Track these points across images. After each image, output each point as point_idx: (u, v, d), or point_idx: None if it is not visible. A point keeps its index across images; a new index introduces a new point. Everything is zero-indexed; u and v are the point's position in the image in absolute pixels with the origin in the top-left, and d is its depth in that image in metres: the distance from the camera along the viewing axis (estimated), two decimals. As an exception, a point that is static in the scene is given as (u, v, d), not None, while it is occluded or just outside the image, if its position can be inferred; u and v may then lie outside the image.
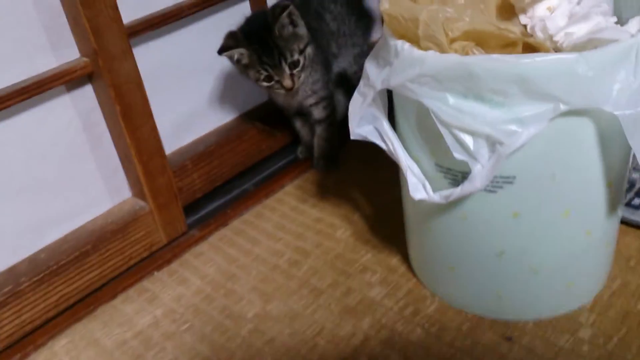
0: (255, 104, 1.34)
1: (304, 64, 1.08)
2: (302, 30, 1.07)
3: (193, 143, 1.22)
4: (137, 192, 1.09)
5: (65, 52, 0.94)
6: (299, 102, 1.18)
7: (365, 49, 1.27)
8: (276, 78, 1.06)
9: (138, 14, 1.04)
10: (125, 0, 0.99)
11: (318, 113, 1.21)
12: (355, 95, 0.81)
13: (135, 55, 0.98)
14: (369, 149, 1.30)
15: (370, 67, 0.79)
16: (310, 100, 1.18)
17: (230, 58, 1.07)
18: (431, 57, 0.68)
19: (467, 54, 0.68)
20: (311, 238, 1.08)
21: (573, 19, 0.71)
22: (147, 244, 1.09)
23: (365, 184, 1.19)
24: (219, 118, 1.27)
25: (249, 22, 1.10)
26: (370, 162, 1.24)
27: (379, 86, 0.75)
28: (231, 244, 1.10)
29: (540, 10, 0.74)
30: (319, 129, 1.24)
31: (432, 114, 0.70)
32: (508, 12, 0.77)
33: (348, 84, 1.28)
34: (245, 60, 1.06)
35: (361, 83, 0.81)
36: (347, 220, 1.10)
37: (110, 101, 0.97)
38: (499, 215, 0.76)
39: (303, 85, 1.14)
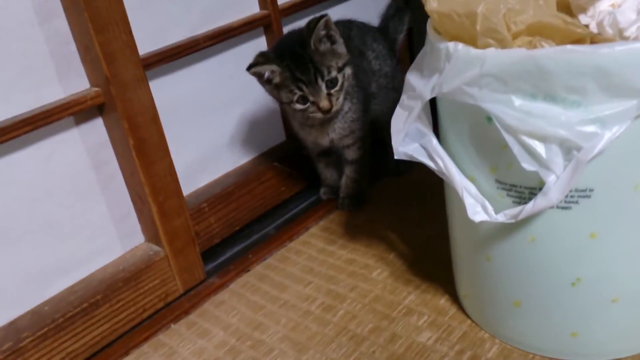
0: (273, 144, 1.27)
1: (342, 84, 0.98)
2: (340, 47, 0.98)
3: (209, 185, 1.14)
4: (151, 236, 0.99)
5: (74, 82, 0.87)
6: (332, 140, 1.08)
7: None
8: (311, 98, 0.96)
9: (153, 46, 0.98)
10: (140, 32, 0.93)
11: (352, 154, 1.12)
12: (398, 110, 0.73)
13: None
14: (396, 187, 1.24)
15: (413, 79, 0.72)
16: (347, 141, 1.09)
17: (260, 77, 0.98)
18: (493, 54, 0.60)
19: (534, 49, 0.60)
20: (344, 281, 0.97)
21: (643, 12, 0.64)
22: (163, 294, 0.98)
23: (396, 223, 1.09)
24: (236, 159, 1.19)
25: (281, 41, 1.03)
26: (398, 201, 1.16)
27: (428, 95, 0.67)
28: (255, 290, 0.99)
29: (603, 7, 0.67)
30: (348, 170, 1.15)
31: (494, 120, 0.62)
32: (565, 12, 0.70)
33: (375, 135, 1.17)
34: (277, 79, 0.97)
35: (404, 97, 0.73)
36: (383, 261, 1.00)
37: (123, 134, 0.88)
38: (574, 236, 0.66)
39: (340, 123, 1.05)
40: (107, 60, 0.84)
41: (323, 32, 0.96)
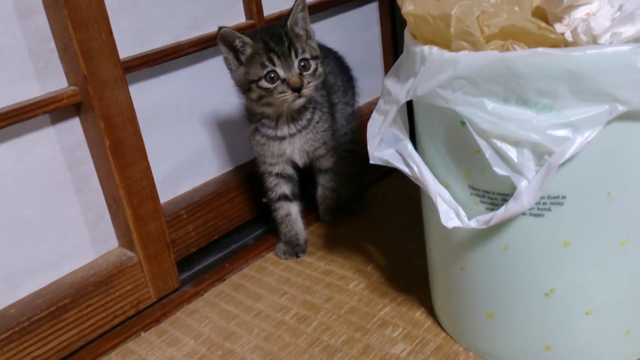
0: (254, 155, 1.25)
1: (315, 72, 0.93)
2: (315, 44, 0.96)
3: (188, 192, 1.12)
4: (125, 241, 0.97)
5: (52, 80, 0.86)
6: (305, 153, 1.03)
7: (354, 113, 1.16)
8: (282, 74, 0.89)
9: (137, 49, 0.97)
10: (124, 35, 0.93)
11: (326, 162, 1.07)
12: (374, 115, 0.72)
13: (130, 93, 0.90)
14: (378, 200, 1.23)
15: (390, 83, 0.71)
16: (320, 151, 1.04)
17: (229, 44, 0.91)
18: (465, 57, 0.60)
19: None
20: (320, 292, 0.95)
21: (617, 21, 0.64)
22: (134, 301, 0.96)
23: (376, 236, 1.08)
24: (217, 167, 1.18)
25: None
26: (379, 214, 1.15)
27: (403, 98, 0.67)
28: (229, 299, 0.97)
29: (578, 15, 0.67)
30: (324, 179, 1.10)
31: (467, 123, 0.61)
32: (541, 20, 0.70)
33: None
34: (248, 51, 0.91)
35: (380, 102, 0.72)
36: (360, 273, 0.99)
37: (100, 134, 0.87)
38: (547, 245, 0.65)
39: (312, 133, 1.00)
40: (85, 59, 0.83)
41: (300, 15, 0.94)
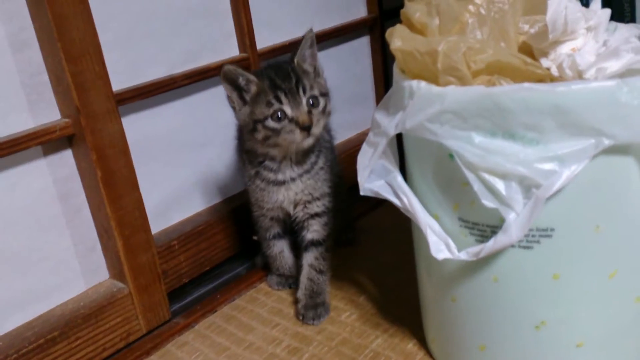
0: (246, 186, 1.26)
1: (324, 110, 0.87)
2: (324, 82, 0.91)
3: (181, 223, 1.12)
4: (116, 272, 0.97)
5: (44, 113, 0.87)
6: (298, 202, 0.95)
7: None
8: (290, 112, 0.84)
9: (130, 82, 0.98)
10: (117, 67, 0.94)
11: (318, 228, 0.97)
12: (364, 147, 0.73)
13: (123, 125, 0.91)
14: (371, 231, 1.23)
15: (380, 116, 0.72)
16: (315, 208, 0.95)
17: (232, 82, 0.86)
18: (453, 92, 0.61)
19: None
20: (312, 323, 0.95)
21: (601, 56, 0.66)
22: (124, 333, 0.95)
23: (369, 268, 1.08)
24: (209, 198, 1.18)
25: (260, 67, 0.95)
26: (372, 245, 1.15)
27: (393, 131, 0.68)
28: (220, 331, 0.97)
29: (564, 51, 0.69)
30: (311, 256, 0.97)
31: (455, 157, 0.62)
32: (528, 56, 0.71)
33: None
34: (253, 89, 0.86)
35: (370, 134, 0.73)
36: (352, 304, 0.98)
37: (92, 165, 0.88)
38: (537, 277, 0.65)
39: (312, 179, 0.93)
40: (78, 91, 0.84)
41: (309, 51, 0.89)
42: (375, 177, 0.73)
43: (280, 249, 1.03)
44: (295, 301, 0.98)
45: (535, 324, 0.67)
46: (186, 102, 1.10)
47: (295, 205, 0.96)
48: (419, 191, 0.71)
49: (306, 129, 0.84)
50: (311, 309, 0.95)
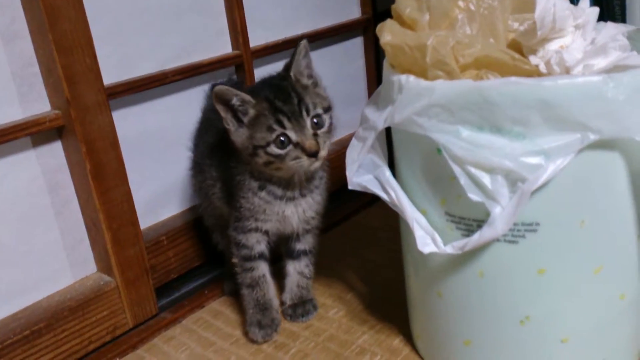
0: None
1: (330, 128, 0.81)
2: (323, 91, 0.85)
3: (170, 219, 1.12)
4: (104, 266, 0.96)
5: (35, 104, 0.87)
6: (301, 221, 0.90)
7: None
8: (294, 137, 0.78)
9: (121, 76, 0.98)
10: (108, 61, 0.94)
11: (310, 240, 0.95)
12: (353, 141, 0.74)
13: (113, 119, 0.91)
14: (360, 229, 1.23)
15: (369, 111, 0.73)
16: (307, 225, 0.92)
17: (225, 103, 0.79)
18: (441, 85, 0.61)
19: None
20: (299, 319, 0.95)
21: (589, 53, 0.66)
22: (111, 326, 0.95)
23: (357, 265, 1.08)
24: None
25: (255, 84, 0.88)
26: (361, 243, 1.15)
27: (381, 125, 0.68)
28: (207, 326, 0.96)
29: (553, 48, 0.69)
30: (300, 265, 0.95)
31: (443, 151, 0.63)
32: (517, 53, 0.72)
33: None
34: (251, 112, 0.79)
35: (359, 129, 0.73)
36: (340, 300, 0.98)
37: (81, 158, 0.87)
38: (522, 272, 0.66)
39: (316, 198, 0.88)
40: (68, 83, 0.84)
41: (304, 61, 0.83)
42: (364, 172, 0.73)
43: (263, 273, 0.91)
44: (281, 303, 0.97)
45: (520, 319, 0.68)
46: (177, 98, 1.10)
47: (297, 223, 0.90)
48: (407, 186, 0.71)
49: (313, 154, 0.79)
50: (300, 307, 0.95)
